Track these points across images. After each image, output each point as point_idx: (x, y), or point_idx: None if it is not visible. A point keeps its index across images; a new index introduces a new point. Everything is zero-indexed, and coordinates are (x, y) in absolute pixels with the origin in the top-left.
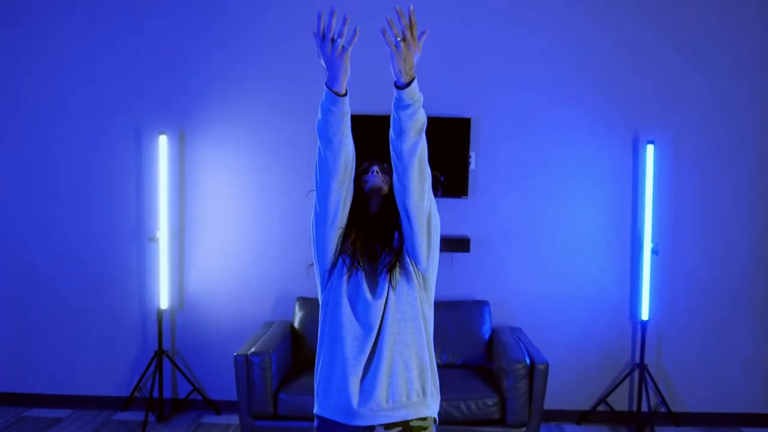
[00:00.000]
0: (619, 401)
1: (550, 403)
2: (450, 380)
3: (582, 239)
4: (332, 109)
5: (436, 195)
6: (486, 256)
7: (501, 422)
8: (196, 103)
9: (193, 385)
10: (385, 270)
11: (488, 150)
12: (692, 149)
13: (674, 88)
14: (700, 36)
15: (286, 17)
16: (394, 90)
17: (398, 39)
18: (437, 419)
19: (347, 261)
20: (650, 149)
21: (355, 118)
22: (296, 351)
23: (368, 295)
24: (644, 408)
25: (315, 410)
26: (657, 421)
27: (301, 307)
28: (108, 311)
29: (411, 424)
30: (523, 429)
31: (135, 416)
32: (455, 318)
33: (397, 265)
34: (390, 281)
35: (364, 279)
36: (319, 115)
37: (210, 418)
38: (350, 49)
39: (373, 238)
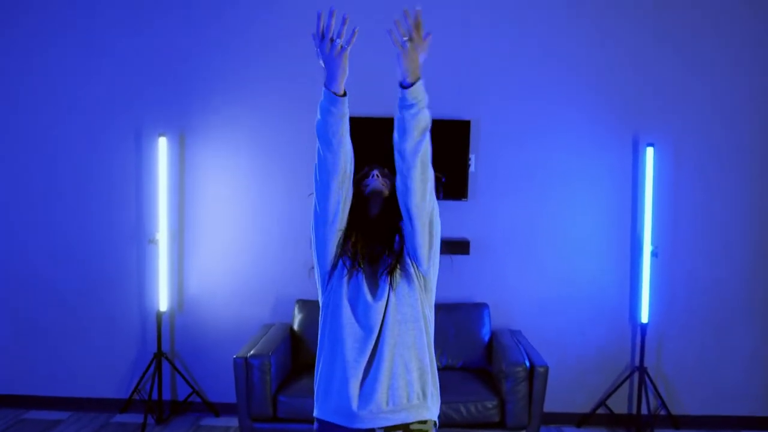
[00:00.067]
0: (619, 404)
1: (550, 405)
2: (449, 383)
3: (582, 242)
4: (331, 110)
5: (437, 196)
6: (486, 259)
7: (500, 425)
8: (196, 104)
9: (192, 387)
10: (385, 272)
11: (488, 152)
12: (692, 151)
13: (674, 91)
14: (699, 38)
15: (286, 17)
16: (399, 90)
17: (405, 39)
18: (437, 422)
19: (347, 263)
20: (650, 152)
21: (354, 120)
22: (296, 353)
23: (369, 297)
24: (644, 411)
25: (315, 413)
26: (657, 424)
27: (301, 310)
28: (107, 313)
29: (411, 427)
30: None
31: (134, 418)
32: (455, 320)
33: (398, 267)
34: (390, 283)
35: (364, 281)
36: (318, 116)
37: (209, 421)
38: (349, 48)
39: (374, 241)
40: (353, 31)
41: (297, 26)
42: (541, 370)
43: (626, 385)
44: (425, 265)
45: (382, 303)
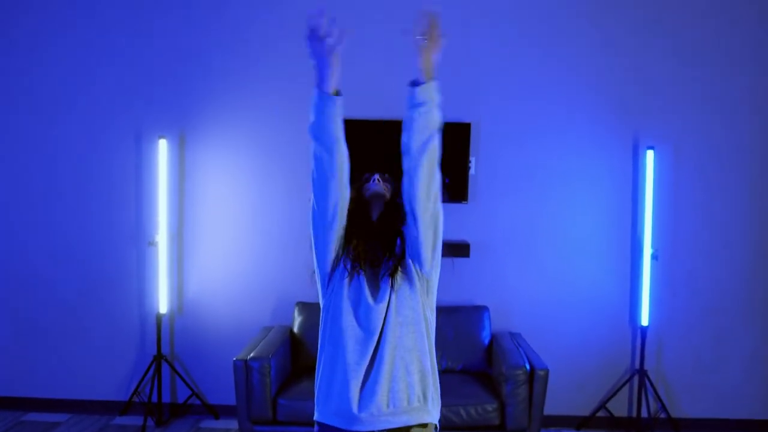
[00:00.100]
0: (619, 407)
1: (550, 408)
2: (449, 386)
3: (582, 245)
4: (324, 109)
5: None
6: (486, 262)
7: (500, 428)
8: (196, 104)
9: (191, 389)
10: (387, 274)
11: (488, 155)
12: (692, 154)
13: (674, 94)
14: (700, 40)
15: (286, 17)
16: (409, 88)
17: (422, 37)
18: (438, 426)
19: (348, 265)
20: (650, 155)
21: (355, 123)
22: (295, 356)
23: (370, 299)
24: (644, 414)
25: (315, 417)
26: (657, 427)
27: (301, 312)
28: (107, 315)
29: (412, 430)
30: None
31: (134, 421)
32: (455, 323)
33: (399, 269)
34: (392, 285)
35: (365, 283)
36: (312, 117)
37: (209, 423)
38: (339, 48)
39: (375, 244)
40: (344, 31)
41: (297, 26)
42: (541, 373)
43: (626, 388)
44: (428, 266)
45: (383, 305)
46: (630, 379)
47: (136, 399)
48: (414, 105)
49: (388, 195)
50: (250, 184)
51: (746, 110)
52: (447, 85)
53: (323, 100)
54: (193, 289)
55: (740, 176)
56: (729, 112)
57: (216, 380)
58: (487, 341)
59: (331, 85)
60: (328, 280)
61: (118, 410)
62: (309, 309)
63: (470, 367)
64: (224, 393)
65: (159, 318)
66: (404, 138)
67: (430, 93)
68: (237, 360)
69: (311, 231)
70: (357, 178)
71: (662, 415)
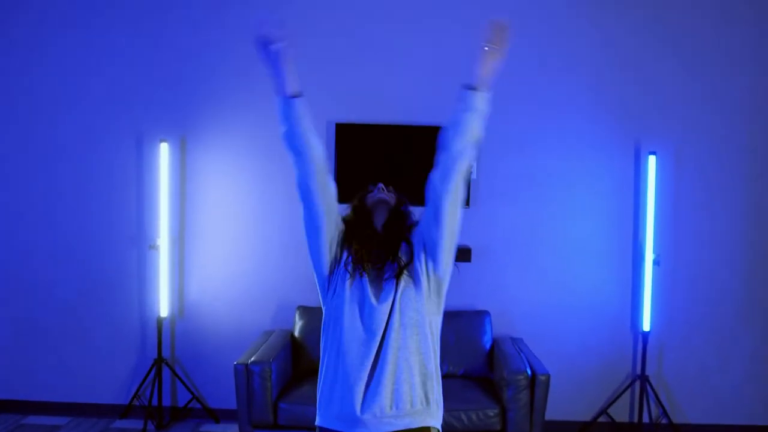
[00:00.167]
0: (620, 412)
1: (551, 414)
2: (451, 390)
3: (583, 249)
4: (289, 114)
5: None
6: (487, 266)
7: None
8: (197, 107)
9: (192, 393)
10: (392, 276)
11: (489, 160)
12: (694, 159)
13: (676, 99)
14: (701, 45)
15: (287, 19)
16: (464, 91)
17: (488, 45)
18: (440, 431)
19: (349, 267)
20: (652, 160)
21: (354, 127)
22: (296, 360)
23: (373, 300)
24: (645, 419)
25: (317, 422)
26: None
27: (302, 316)
28: (108, 319)
29: None
30: None
31: (134, 424)
32: (456, 328)
33: (404, 271)
34: (396, 286)
35: (368, 284)
36: (281, 126)
37: (209, 427)
38: (288, 51)
39: (380, 251)
40: (289, 33)
41: (298, 27)
42: (543, 378)
43: (628, 393)
44: (443, 266)
45: (387, 306)
46: (631, 385)
47: (136, 402)
48: (466, 108)
49: (392, 202)
50: (251, 188)
51: (747, 113)
52: (447, 90)
53: (285, 105)
54: (194, 292)
55: (742, 182)
56: (729, 112)
57: (217, 384)
58: (488, 346)
59: (290, 89)
60: (328, 284)
61: (119, 414)
62: (310, 313)
63: (471, 371)
64: (225, 397)
65: (160, 321)
66: (448, 134)
67: (483, 102)
68: (238, 364)
69: (305, 236)
70: (361, 187)
71: (664, 421)
